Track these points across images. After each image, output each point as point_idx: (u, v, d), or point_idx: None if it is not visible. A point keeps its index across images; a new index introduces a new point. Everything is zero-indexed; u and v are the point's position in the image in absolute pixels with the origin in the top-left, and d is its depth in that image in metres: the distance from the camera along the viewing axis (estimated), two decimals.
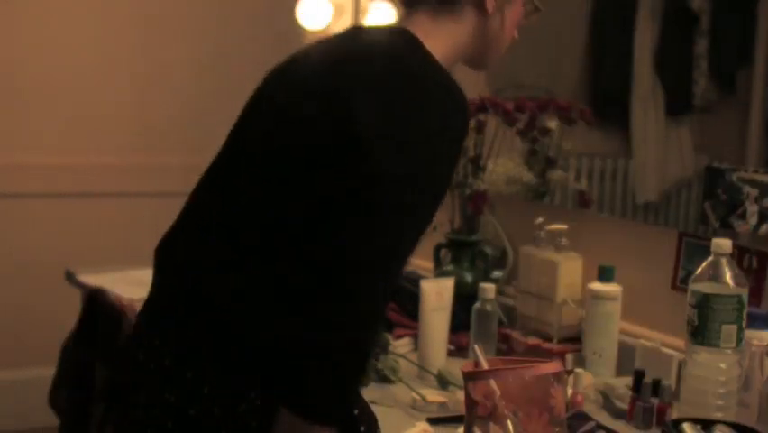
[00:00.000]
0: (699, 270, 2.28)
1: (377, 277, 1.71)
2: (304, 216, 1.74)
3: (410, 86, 1.77)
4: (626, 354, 2.68)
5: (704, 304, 2.23)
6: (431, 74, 1.81)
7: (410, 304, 2.93)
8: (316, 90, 1.82)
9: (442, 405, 2.43)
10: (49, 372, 3.30)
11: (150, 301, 1.90)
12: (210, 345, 1.76)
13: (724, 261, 2.26)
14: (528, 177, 3.06)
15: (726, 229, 2.54)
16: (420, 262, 3.49)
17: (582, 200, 3.04)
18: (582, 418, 2.31)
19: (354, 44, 1.89)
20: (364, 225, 1.69)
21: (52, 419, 3.27)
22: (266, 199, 1.79)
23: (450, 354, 2.79)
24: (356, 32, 1.97)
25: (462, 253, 3.13)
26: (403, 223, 1.73)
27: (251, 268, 1.76)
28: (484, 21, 1.94)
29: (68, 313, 3.37)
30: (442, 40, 1.90)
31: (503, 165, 3.07)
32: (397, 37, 1.87)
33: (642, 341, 2.62)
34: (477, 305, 2.75)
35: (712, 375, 2.26)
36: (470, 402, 1.81)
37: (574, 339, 2.81)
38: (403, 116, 1.73)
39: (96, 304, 3.09)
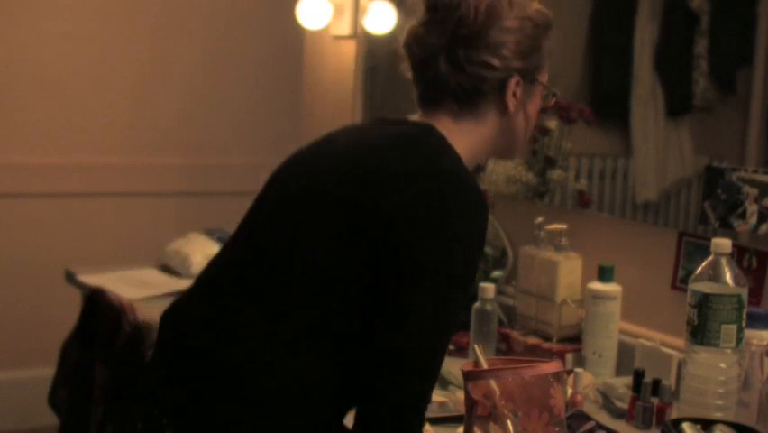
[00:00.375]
0: (698, 269, 2.28)
1: (427, 367, 1.78)
2: (345, 317, 1.78)
3: (443, 189, 1.77)
4: (625, 353, 2.68)
5: (704, 304, 2.23)
6: (461, 176, 1.82)
7: None
8: (351, 192, 1.81)
9: (441, 405, 2.43)
10: (48, 371, 3.30)
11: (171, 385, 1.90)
12: None
13: (724, 260, 2.26)
14: (528, 177, 3.05)
15: (726, 229, 2.54)
16: None
17: (582, 200, 3.04)
18: (582, 417, 2.31)
19: (387, 143, 1.88)
20: (410, 325, 1.73)
21: (52, 419, 3.27)
22: (302, 299, 1.80)
23: (450, 353, 2.77)
24: (384, 128, 1.97)
25: None
26: (443, 316, 1.76)
27: (287, 364, 1.78)
28: (507, 119, 1.95)
29: (68, 313, 3.37)
30: (465, 140, 1.92)
31: (503, 165, 3.07)
32: (427, 136, 1.89)
33: (642, 341, 2.62)
34: (477, 305, 2.75)
35: (712, 375, 2.26)
36: (470, 402, 1.81)
37: (574, 339, 2.81)
38: (436, 218, 1.75)
39: (96, 304, 3.09)
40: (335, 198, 1.81)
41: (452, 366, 2.50)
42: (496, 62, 1.89)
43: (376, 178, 1.79)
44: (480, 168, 3.07)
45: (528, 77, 1.94)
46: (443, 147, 1.87)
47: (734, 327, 2.24)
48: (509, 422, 1.78)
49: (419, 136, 1.88)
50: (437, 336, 1.76)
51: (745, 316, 2.25)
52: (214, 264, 1.96)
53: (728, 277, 2.25)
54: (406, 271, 1.73)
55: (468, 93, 1.92)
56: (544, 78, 2.00)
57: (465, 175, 1.83)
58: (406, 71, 2.00)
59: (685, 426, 2.08)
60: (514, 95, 1.93)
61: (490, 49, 1.90)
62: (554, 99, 2.05)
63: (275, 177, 1.99)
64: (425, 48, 1.94)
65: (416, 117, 1.98)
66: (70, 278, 3.60)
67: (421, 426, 1.77)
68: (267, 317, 1.79)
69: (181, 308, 1.94)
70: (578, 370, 2.51)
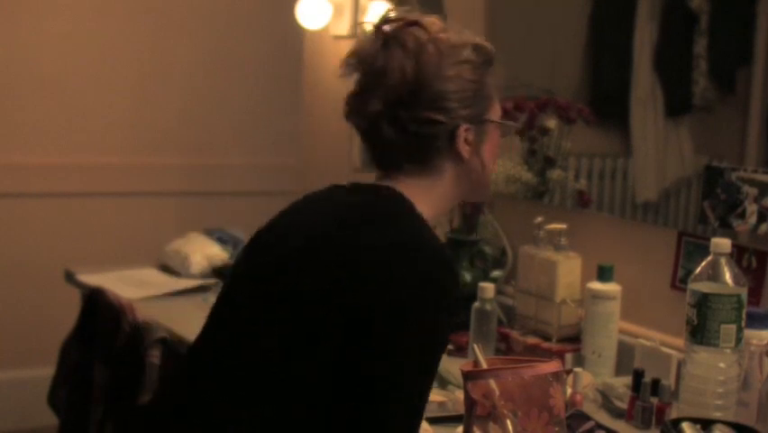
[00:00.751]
0: (698, 269, 2.28)
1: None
2: (318, 395, 1.74)
3: (413, 264, 1.75)
4: (625, 353, 2.68)
5: (703, 303, 2.23)
6: (431, 249, 1.79)
7: None
8: (321, 268, 1.79)
9: (441, 404, 2.43)
10: (48, 371, 3.30)
11: None
12: None
13: (723, 260, 2.26)
14: (527, 176, 3.06)
15: (726, 228, 2.54)
16: None
17: (581, 200, 3.04)
18: (581, 417, 2.31)
19: (353, 217, 1.85)
20: (384, 399, 1.71)
21: (52, 419, 3.27)
22: (276, 376, 1.76)
23: (449, 353, 2.78)
24: (349, 199, 1.92)
25: (462, 252, 3.13)
26: (417, 387, 1.74)
27: None
28: (465, 166, 1.92)
29: (68, 313, 3.37)
30: (428, 198, 1.90)
31: (502, 164, 3.07)
32: (393, 206, 1.86)
33: (641, 340, 2.62)
34: (476, 304, 2.75)
35: (711, 375, 2.26)
36: (470, 402, 1.81)
37: (573, 339, 2.81)
38: (407, 295, 1.72)
39: (96, 304, 3.09)
40: (308, 299, 1.77)
41: (452, 366, 2.50)
42: (440, 117, 1.86)
43: (352, 274, 1.75)
44: None
45: (477, 119, 1.90)
46: (410, 220, 1.84)
47: (733, 326, 2.24)
48: (509, 422, 1.78)
49: (389, 213, 1.85)
50: (417, 406, 1.75)
51: (744, 315, 2.25)
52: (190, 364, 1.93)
53: (728, 277, 2.25)
54: (389, 354, 1.71)
55: (419, 152, 1.89)
56: (495, 113, 1.96)
57: (436, 249, 1.80)
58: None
59: (684, 426, 2.08)
60: (466, 141, 1.89)
61: (431, 104, 1.86)
62: (515, 129, 2.03)
63: (246, 261, 1.95)
64: (365, 117, 1.90)
65: (381, 182, 1.93)
66: (70, 278, 3.60)
67: None
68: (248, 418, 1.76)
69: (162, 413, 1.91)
70: (577, 370, 2.51)
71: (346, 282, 1.74)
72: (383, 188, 1.90)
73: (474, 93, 1.89)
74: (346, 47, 4.12)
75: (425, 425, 2.30)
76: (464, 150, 1.89)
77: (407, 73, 1.85)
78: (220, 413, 1.77)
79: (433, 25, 1.91)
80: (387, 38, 1.89)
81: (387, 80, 1.86)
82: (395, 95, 1.86)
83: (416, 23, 1.90)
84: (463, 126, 1.88)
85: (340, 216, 1.87)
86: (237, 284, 1.93)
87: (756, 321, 2.31)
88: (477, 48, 1.92)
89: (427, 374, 1.75)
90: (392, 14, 1.94)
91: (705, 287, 2.24)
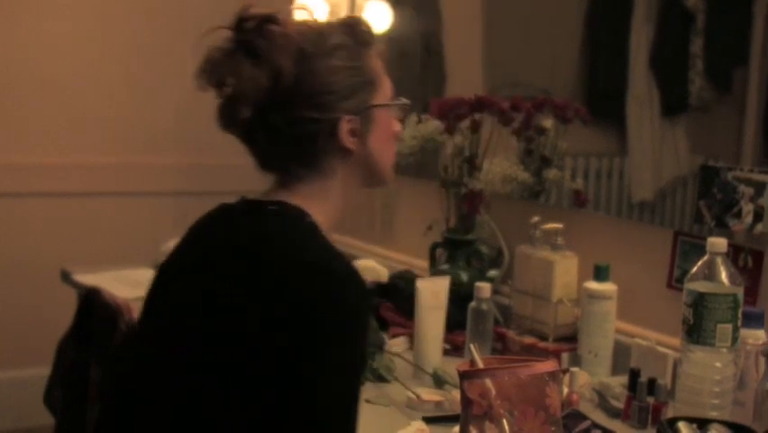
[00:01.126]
0: (694, 269, 2.29)
1: None
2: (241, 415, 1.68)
3: (317, 288, 1.68)
4: (621, 353, 2.68)
5: (699, 303, 2.24)
6: (333, 267, 1.71)
7: (406, 303, 2.94)
8: (228, 306, 1.72)
9: (437, 404, 2.43)
10: (44, 371, 3.29)
11: None
12: None
13: (719, 260, 2.26)
14: (524, 176, 3.06)
15: (722, 228, 2.54)
16: (416, 261, 3.50)
17: (578, 199, 3.04)
18: (578, 417, 2.31)
19: (257, 243, 1.77)
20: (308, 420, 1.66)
21: (48, 419, 3.27)
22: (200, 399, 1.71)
23: (445, 353, 2.79)
24: (243, 222, 1.84)
25: (458, 252, 3.13)
26: (341, 403, 1.69)
27: None
28: (354, 159, 1.85)
29: (64, 312, 3.36)
30: (324, 200, 1.84)
31: (499, 164, 3.07)
32: (293, 227, 1.78)
33: (637, 340, 2.62)
34: (473, 304, 2.75)
35: (707, 374, 2.26)
36: (466, 401, 1.81)
37: (570, 338, 2.81)
38: (321, 320, 1.66)
39: (92, 303, 3.08)
40: (220, 337, 1.71)
41: (448, 366, 2.50)
42: (315, 115, 1.78)
43: (261, 305, 1.68)
44: (475, 167, 3.07)
45: (360, 108, 1.82)
46: (311, 241, 1.76)
47: (729, 326, 2.24)
48: (505, 421, 1.78)
49: (288, 234, 1.76)
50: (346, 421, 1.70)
51: (740, 315, 2.26)
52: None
53: (724, 276, 2.25)
54: (308, 384, 1.65)
55: (303, 154, 1.83)
56: (383, 95, 1.87)
57: (339, 266, 1.72)
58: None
59: (681, 425, 2.08)
60: (352, 133, 1.82)
61: (303, 104, 1.78)
62: (408, 108, 1.94)
63: (152, 301, 1.89)
64: (238, 125, 1.83)
65: (274, 192, 1.86)
66: (66, 277, 3.59)
67: None
68: None
69: None
70: (574, 369, 2.51)
71: (257, 315, 1.67)
72: (274, 205, 1.82)
73: (351, 81, 1.81)
74: None
75: (421, 424, 2.31)
76: (350, 142, 1.82)
77: (269, 76, 1.76)
78: None
79: (289, 17, 1.82)
80: (240, 43, 1.80)
81: (249, 86, 1.78)
82: (261, 99, 1.77)
83: (270, 20, 1.80)
84: (345, 119, 1.80)
85: (235, 245, 1.79)
86: (149, 322, 1.88)
87: (752, 321, 2.31)
88: (348, 29, 1.84)
89: (351, 398, 1.70)
90: (246, 13, 1.82)
91: (701, 286, 2.25)
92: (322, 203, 1.84)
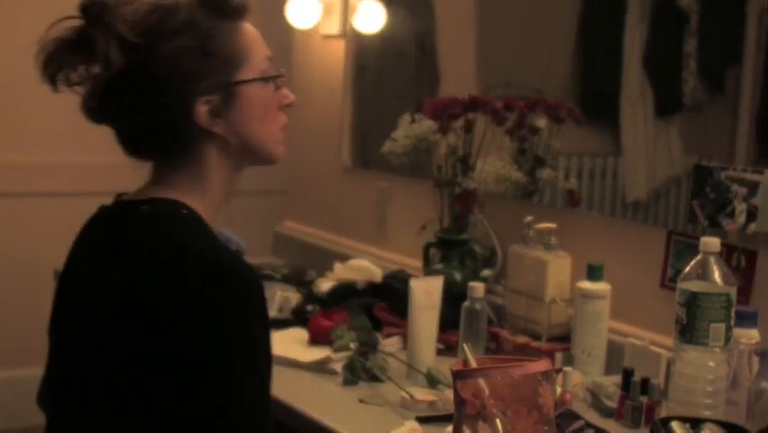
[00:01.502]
0: (687, 268, 2.29)
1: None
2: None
3: (205, 287, 1.63)
4: (614, 352, 2.68)
5: (692, 302, 2.24)
6: (221, 263, 1.66)
7: (399, 303, 2.93)
8: (119, 317, 1.67)
9: (431, 404, 2.43)
10: (37, 371, 3.29)
11: None
12: None
13: (712, 259, 2.26)
14: (517, 176, 3.06)
15: (715, 228, 2.54)
16: (409, 261, 3.50)
17: (571, 199, 3.04)
18: (571, 416, 2.32)
19: (129, 248, 1.72)
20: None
21: (42, 419, 3.26)
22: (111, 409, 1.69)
23: (439, 352, 2.79)
24: (121, 229, 1.77)
25: (452, 251, 3.13)
26: (252, 399, 1.65)
27: None
28: (222, 141, 1.76)
29: None
30: (202, 188, 1.77)
31: (492, 164, 3.07)
32: (178, 228, 1.71)
33: (631, 339, 2.62)
34: (466, 304, 2.75)
35: (701, 374, 2.26)
36: (459, 401, 1.81)
37: (563, 338, 2.81)
38: (218, 320, 1.62)
39: None
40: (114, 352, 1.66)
41: (442, 365, 2.50)
42: (165, 99, 1.70)
43: (153, 314, 1.63)
44: (468, 166, 3.07)
45: (219, 88, 1.73)
46: (197, 240, 1.69)
47: (722, 325, 2.24)
48: (498, 421, 1.78)
49: (159, 236, 1.70)
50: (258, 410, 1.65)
51: (733, 314, 2.26)
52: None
53: (717, 276, 2.25)
54: (213, 386, 1.61)
55: (166, 141, 1.75)
56: (251, 69, 1.77)
57: (223, 258, 1.67)
58: None
59: (674, 424, 2.08)
60: (214, 115, 1.73)
61: (151, 88, 1.70)
62: (282, 78, 1.81)
63: (55, 303, 1.88)
64: (94, 115, 1.77)
65: (150, 188, 1.79)
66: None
67: None
68: None
69: None
70: (567, 369, 2.51)
71: (151, 326, 1.62)
72: (148, 204, 1.76)
73: (203, 61, 1.72)
74: (335, 46, 4.14)
75: (414, 424, 2.31)
76: (210, 124, 1.73)
77: (103, 66, 1.69)
78: None
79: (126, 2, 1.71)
80: (74, 33, 1.72)
81: (87, 78, 1.72)
82: (103, 90, 1.71)
83: (110, 6, 1.70)
84: (200, 101, 1.71)
85: (109, 251, 1.74)
86: (55, 332, 1.86)
87: (745, 320, 2.31)
88: (205, 2, 1.74)
89: (263, 394, 1.66)
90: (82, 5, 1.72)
91: (694, 286, 2.25)
92: (199, 191, 1.77)
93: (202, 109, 1.72)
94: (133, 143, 1.80)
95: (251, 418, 1.63)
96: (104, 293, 1.70)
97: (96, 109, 1.76)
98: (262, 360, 1.66)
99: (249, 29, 1.79)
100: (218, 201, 1.80)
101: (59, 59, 1.73)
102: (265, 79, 1.79)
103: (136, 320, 1.64)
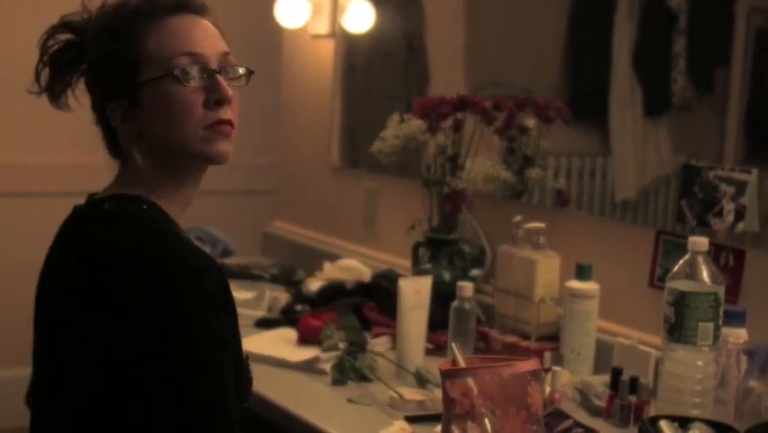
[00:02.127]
0: (676, 267, 2.30)
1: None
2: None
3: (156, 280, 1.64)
4: (603, 351, 2.68)
5: (681, 302, 2.24)
6: (170, 256, 1.67)
7: (388, 303, 2.94)
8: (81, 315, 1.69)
9: (420, 403, 2.44)
10: (25, 371, 3.28)
11: None
12: None
13: (701, 258, 2.27)
14: (506, 175, 3.06)
15: (703, 227, 2.54)
16: (398, 260, 3.50)
17: (560, 199, 3.04)
18: (560, 416, 2.32)
19: (94, 249, 1.73)
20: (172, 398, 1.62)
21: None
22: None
23: (428, 352, 2.79)
24: (87, 229, 1.79)
25: (441, 251, 3.13)
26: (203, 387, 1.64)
27: None
28: (142, 142, 1.76)
29: None
30: (151, 188, 1.77)
31: (481, 164, 3.07)
32: (131, 224, 1.73)
33: (619, 339, 2.63)
34: (455, 303, 2.75)
35: (689, 373, 2.27)
36: (448, 401, 1.81)
37: (552, 337, 2.81)
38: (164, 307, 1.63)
39: None
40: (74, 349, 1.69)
41: (431, 365, 2.50)
42: (93, 104, 1.80)
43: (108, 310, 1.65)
44: (457, 166, 3.07)
45: (124, 90, 1.74)
46: (150, 233, 1.71)
47: (711, 324, 2.25)
48: (487, 421, 1.78)
49: (123, 229, 1.72)
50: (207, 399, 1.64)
51: (721, 314, 2.27)
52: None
53: (705, 275, 2.26)
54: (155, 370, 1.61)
55: (107, 141, 1.83)
56: (154, 66, 1.72)
57: (170, 247, 1.69)
58: None
59: (662, 424, 2.09)
60: (125, 118, 1.75)
61: (91, 89, 1.80)
62: (185, 73, 1.73)
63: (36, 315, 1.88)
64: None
65: (116, 189, 1.81)
66: None
67: None
68: None
69: None
70: (556, 368, 2.51)
71: (110, 321, 1.64)
72: (110, 201, 1.78)
73: (111, 65, 1.73)
74: (325, 46, 4.13)
75: (403, 424, 2.31)
76: (124, 128, 1.75)
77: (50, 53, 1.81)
78: None
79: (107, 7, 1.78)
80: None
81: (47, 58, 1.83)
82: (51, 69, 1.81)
83: (66, 23, 1.82)
84: (111, 105, 1.74)
85: (77, 252, 1.76)
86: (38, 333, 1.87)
87: (733, 319, 2.32)
88: (123, 3, 1.76)
89: (209, 381, 1.64)
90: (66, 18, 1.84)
91: (682, 285, 2.25)
92: (149, 187, 1.77)
93: (115, 114, 1.75)
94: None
95: (197, 404, 1.62)
96: (69, 293, 1.72)
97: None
98: (213, 346, 1.65)
99: (172, 24, 1.76)
100: (176, 199, 1.81)
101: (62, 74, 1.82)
102: (172, 77, 1.72)
103: (97, 316, 1.65)
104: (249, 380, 1.82)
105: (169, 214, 1.78)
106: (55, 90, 1.84)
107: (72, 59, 1.81)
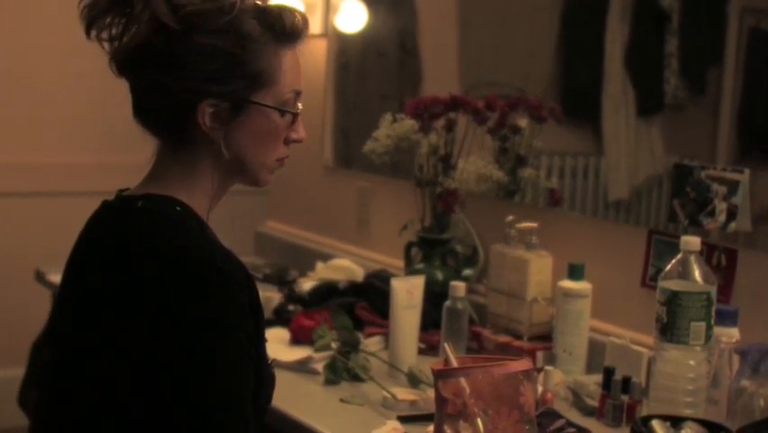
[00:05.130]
0: (668, 267, 2.30)
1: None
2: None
3: (187, 280, 1.66)
4: (596, 351, 2.69)
5: (673, 301, 2.24)
6: (199, 258, 1.68)
7: (381, 302, 2.93)
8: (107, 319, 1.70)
9: (412, 403, 2.43)
10: (18, 372, 3.29)
11: None
12: None
13: (693, 258, 2.27)
14: (499, 175, 3.06)
15: (695, 227, 2.55)
16: (391, 260, 3.50)
17: (553, 198, 3.05)
18: (552, 415, 2.32)
19: (126, 244, 1.74)
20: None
21: (23, 420, 3.26)
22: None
23: (421, 352, 2.79)
24: (119, 225, 1.79)
25: (433, 251, 3.13)
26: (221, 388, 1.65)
27: None
28: (217, 147, 1.75)
29: (38, 312, 3.36)
30: (193, 187, 1.78)
31: (473, 163, 3.07)
32: (168, 225, 1.74)
33: (612, 338, 2.63)
34: (447, 303, 2.75)
35: (681, 372, 2.27)
36: (440, 400, 1.81)
37: (545, 337, 2.81)
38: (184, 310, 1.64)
39: None
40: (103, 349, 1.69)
41: (424, 365, 2.50)
42: (173, 85, 1.71)
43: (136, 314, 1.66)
44: (450, 166, 3.07)
45: (232, 98, 1.73)
46: (181, 234, 1.72)
47: (703, 324, 2.25)
48: (479, 420, 1.78)
49: (160, 230, 1.73)
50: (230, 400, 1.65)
51: (713, 313, 2.27)
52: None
53: (697, 275, 2.26)
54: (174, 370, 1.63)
55: (166, 122, 1.77)
56: (270, 97, 1.77)
57: (206, 253, 1.70)
58: None
59: (655, 423, 2.09)
60: (215, 119, 1.73)
61: (166, 70, 1.71)
62: (298, 115, 1.82)
63: (58, 293, 1.89)
64: (118, 67, 1.78)
65: (149, 188, 1.80)
66: (41, 278, 3.58)
67: None
68: None
69: None
70: (548, 368, 2.51)
71: (139, 324, 1.65)
72: (143, 199, 1.78)
73: (229, 68, 1.71)
74: (317, 46, 4.13)
75: (396, 424, 2.31)
76: (209, 128, 1.73)
77: (138, 34, 1.71)
78: None
79: None
80: None
81: (130, 36, 1.73)
82: (133, 50, 1.73)
83: None
84: (207, 101, 1.71)
85: (108, 247, 1.77)
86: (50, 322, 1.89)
87: (726, 319, 2.32)
88: (263, 18, 1.75)
89: (234, 383, 1.66)
90: None
91: (675, 285, 2.26)
92: (191, 190, 1.78)
93: (206, 110, 1.72)
94: (141, 108, 1.80)
95: (216, 407, 1.64)
96: (101, 290, 1.72)
97: (121, 63, 1.76)
98: (235, 352, 1.66)
99: (291, 57, 1.80)
100: (211, 202, 1.82)
101: (99, 6, 1.75)
102: (280, 111, 1.78)
103: (125, 314, 1.66)
104: (272, 383, 1.83)
105: (199, 215, 1.80)
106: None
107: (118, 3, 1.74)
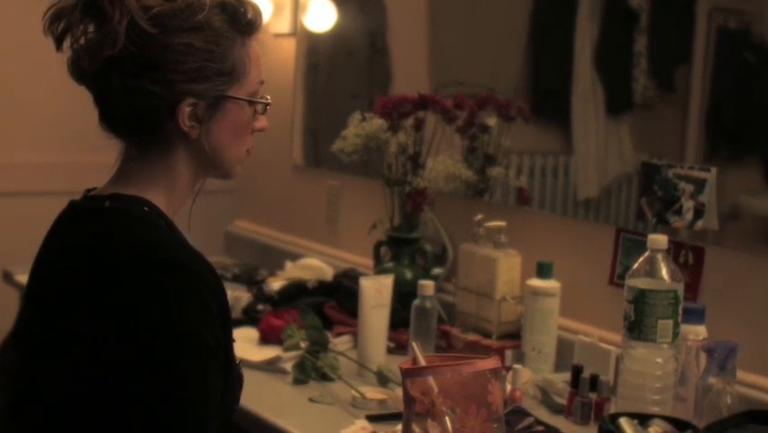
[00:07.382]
0: (635, 265, 2.30)
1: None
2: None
3: (152, 282, 1.64)
4: (564, 349, 2.69)
5: (640, 299, 2.25)
6: (166, 259, 1.67)
7: (350, 302, 2.93)
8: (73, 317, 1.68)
9: (381, 402, 2.44)
10: None
11: None
12: None
13: (660, 256, 2.28)
14: (467, 174, 3.06)
15: (663, 225, 2.56)
16: (360, 259, 3.49)
17: (522, 197, 3.05)
18: (521, 413, 2.32)
19: (90, 245, 1.72)
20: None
21: None
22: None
23: (390, 351, 2.79)
24: (85, 226, 1.77)
25: (402, 250, 3.13)
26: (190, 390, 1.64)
27: None
28: (193, 145, 1.76)
29: (5, 314, 3.33)
30: (164, 185, 1.78)
31: (442, 162, 3.07)
32: (126, 223, 1.72)
33: (580, 336, 2.64)
34: (416, 302, 2.76)
35: (649, 370, 2.28)
36: (409, 399, 1.81)
37: (513, 335, 2.82)
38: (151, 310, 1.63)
39: None
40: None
41: (392, 364, 2.50)
42: (155, 88, 1.69)
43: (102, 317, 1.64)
44: (418, 165, 3.07)
45: (209, 95, 1.74)
46: (149, 237, 1.71)
47: (670, 322, 2.26)
48: (447, 419, 1.78)
49: (127, 230, 1.71)
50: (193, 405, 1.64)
51: (681, 311, 2.28)
52: None
53: (664, 273, 2.27)
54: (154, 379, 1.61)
55: (142, 127, 1.75)
56: (244, 89, 1.80)
57: (175, 253, 1.69)
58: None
59: (622, 421, 2.10)
60: (194, 118, 1.73)
61: (146, 74, 1.69)
62: (267, 107, 1.87)
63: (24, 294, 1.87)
64: (82, 78, 1.77)
65: (116, 188, 1.78)
66: (8, 278, 3.56)
67: None
68: None
69: None
70: (516, 366, 2.52)
71: (94, 319, 1.64)
72: (110, 199, 1.76)
73: (206, 66, 1.72)
74: (286, 45, 4.12)
75: (364, 423, 2.30)
76: (188, 127, 1.73)
77: (108, 40, 1.68)
78: None
79: None
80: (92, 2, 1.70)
81: (88, 44, 1.71)
82: (101, 59, 1.69)
83: None
84: (187, 101, 1.71)
85: (72, 248, 1.76)
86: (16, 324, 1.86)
87: (693, 316, 2.33)
88: (226, 11, 1.75)
89: (194, 384, 1.65)
90: None
91: (642, 283, 2.26)
92: (162, 189, 1.78)
93: (186, 110, 1.72)
94: (111, 117, 1.78)
95: (180, 407, 1.63)
96: (69, 290, 1.71)
97: (87, 74, 1.75)
98: (200, 353, 1.65)
99: (254, 49, 1.83)
100: (178, 202, 1.82)
101: (69, 18, 1.72)
102: (253, 103, 1.83)
103: (95, 319, 1.65)
104: (240, 383, 1.84)
105: (167, 215, 1.79)
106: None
107: (90, 12, 1.71)
